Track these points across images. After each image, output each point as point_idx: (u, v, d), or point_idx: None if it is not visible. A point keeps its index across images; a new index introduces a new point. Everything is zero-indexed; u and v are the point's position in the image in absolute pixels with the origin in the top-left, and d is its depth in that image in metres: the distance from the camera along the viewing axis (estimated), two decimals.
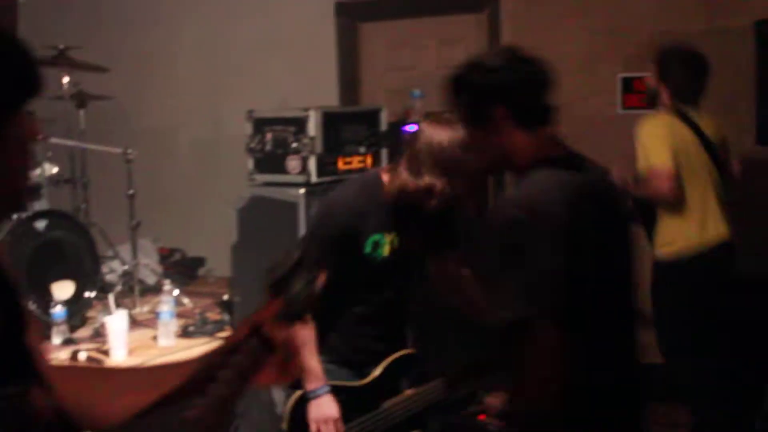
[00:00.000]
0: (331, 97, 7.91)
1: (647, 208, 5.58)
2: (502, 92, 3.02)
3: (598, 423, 3.11)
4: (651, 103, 5.74)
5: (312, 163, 5.40)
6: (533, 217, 2.78)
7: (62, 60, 6.63)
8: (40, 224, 5.75)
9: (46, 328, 5.47)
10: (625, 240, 3.21)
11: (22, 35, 6.02)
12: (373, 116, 5.94)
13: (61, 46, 6.65)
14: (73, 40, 6.90)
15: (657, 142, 5.40)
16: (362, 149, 5.77)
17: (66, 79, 6.70)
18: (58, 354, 5.31)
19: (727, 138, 5.70)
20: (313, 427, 3.98)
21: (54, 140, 6.41)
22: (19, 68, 1.91)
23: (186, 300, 6.38)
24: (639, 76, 6.75)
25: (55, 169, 6.32)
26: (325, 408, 3.99)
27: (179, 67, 8.57)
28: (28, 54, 1.93)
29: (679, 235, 5.49)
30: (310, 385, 3.97)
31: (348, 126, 5.73)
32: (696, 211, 5.45)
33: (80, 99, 6.75)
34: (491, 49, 7.09)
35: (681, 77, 5.56)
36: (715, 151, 5.55)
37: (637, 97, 6.92)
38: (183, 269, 7.50)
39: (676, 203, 5.43)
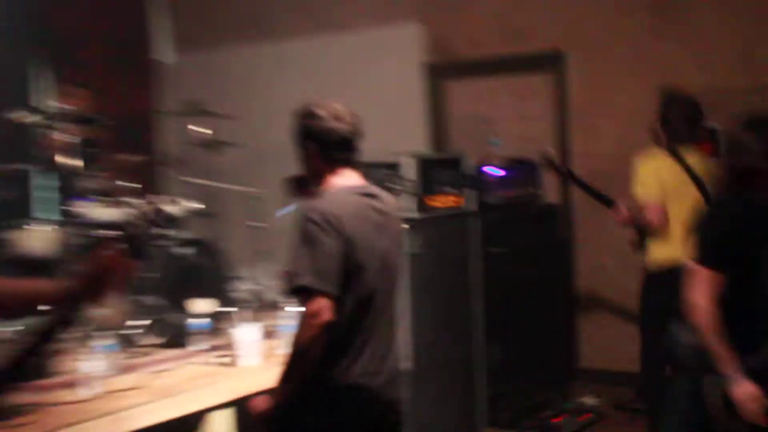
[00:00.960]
0: (420, 142, 8.10)
1: (642, 230, 5.94)
2: (314, 135, 3.52)
3: None
4: (656, 141, 5.94)
5: (410, 202, 5.67)
6: (321, 219, 3.23)
7: (200, 113, 6.87)
8: (184, 250, 6.11)
9: (186, 338, 5.79)
10: (389, 242, 3.51)
11: (168, 92, 6.76)
12: (456, 162, 6.14)
13: (199, 103, 6.87)
14: (209, 97, 7.21)
15: (647, 175, 5.73)
16: (450, 188, 5.98)
17: (202, 129, 6.85)
18: (196, 358, 5.48)
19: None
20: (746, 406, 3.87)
21: (192, 180, 6.81)
22: None
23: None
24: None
25: (194, 204, 6.55)
26: (749, 387, 3.86)
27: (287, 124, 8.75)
28: None
29: (662, 253, 5.77)
30: (727, 369, 3.89)
31: (438, 170, 5.95)
32: (677, 236, 5.61)
33: (215, 144, 6.94)
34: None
35: (677, 121, 5.81)
36: (701, 185, 5.74)
37: None
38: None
39: (662, 231, 5.75)
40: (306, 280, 3.18)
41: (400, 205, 5.53)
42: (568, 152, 7.60)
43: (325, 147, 3.51)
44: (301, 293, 3.24)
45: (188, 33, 9.84)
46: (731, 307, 4.00)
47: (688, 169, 5.76)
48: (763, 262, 4.00)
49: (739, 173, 4.11)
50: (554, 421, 6.42)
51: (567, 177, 6.44)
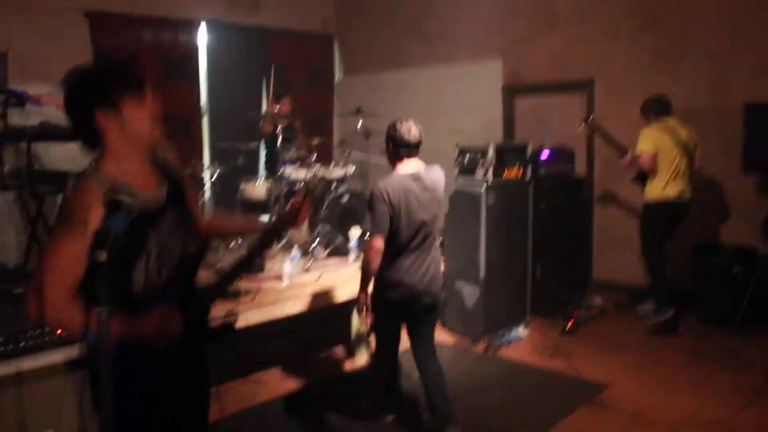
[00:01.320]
0: (498, 135, 8.06)
1: (642, 175, 5.94)
2: (391, 138, 3.80)
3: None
4: (645, 117, 6.02)
5: (490, 172, 5.57)
6: (378, 193, 3.62)
7: (359, 114, 6.94)
8: (344, 198, 6.19)
9: (346, 252, 5.86)
10: (427, 205, 3.73)
11: (338, 104, 6.72)
12: (523, 147, 5.95)
13: (359, 106, 6.98)
14: (365, 103, 7.22)
15: (645, 139, 5.81)
16: (517, 165, 5.84)
17: (360, 123, 6.93)
18: (352, 268, 5.53)
19: (697, 141, 5.85)
20: None
21: (354, 154, 6.89)
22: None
23: None
24: None
25: (353, 168, 6.66)
26: None
27: (420, 118, 8.78)
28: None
29: (653, 191, 5.81)
30: None
31: (509, 153, 5.86)
32: (663, 180, 5.73)
33: (366, 133, 6.98)
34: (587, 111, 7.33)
35: (654, 105, 5.93)
36: (684, 145, 5.75)
37: None
38: None
39: (652, 174, 5.77)
40: (369, 227, 3.69)
41: (483, 175, 5.58)
42: (593, 143, 7.40)
43: (396, 146, 3.78)
44: (367, 234, 3.74)
45: (353, 62, 9.88)
46: None
47: (675, 134, 5.78)
48: None
49: None
50: (574, 312, 6.30)
51: (601, 130, 6.30)
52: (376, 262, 3.67)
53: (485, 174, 5.60)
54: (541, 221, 6.19)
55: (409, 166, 3.81)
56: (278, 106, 7.00)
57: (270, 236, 2.63)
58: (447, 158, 7.09)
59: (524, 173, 5.94)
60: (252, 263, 2.56)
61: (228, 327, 2.35)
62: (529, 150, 5.99)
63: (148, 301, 2.06)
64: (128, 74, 2.10)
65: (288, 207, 2.59)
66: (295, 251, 5.58)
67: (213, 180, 6.59)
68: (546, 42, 7.67)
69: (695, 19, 6.58)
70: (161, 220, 2.14)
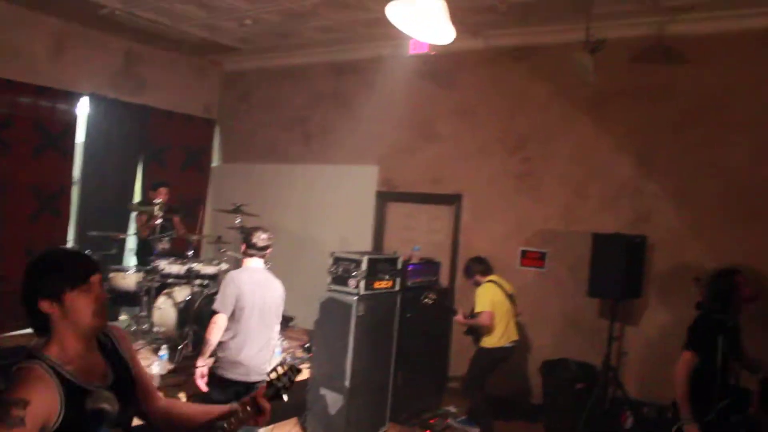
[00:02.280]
0: (369, 237, 8.33)
1: (472, 329, 6.34)
2: (246, 239, 4.76)
3: None
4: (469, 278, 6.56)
5: (362, 284, 5.77)
6: (230, 279, 4.72)
7: (236, 210, 6.93)
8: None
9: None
10: (268, 293, 4.81)
11: (213, 191, 6.77)
12: (394, 259, 6.21)
13: (237, 204, 6.96)
14: (242, 194, 7.36)
15: (482, 297, 6.22)
16: (387, 276, 6.08)
17: (238, 220, 6.90)
18: None
19: (514, 290, 6.39)
20: None
21: (228, 252, 6.89)
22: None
23: (285, 342, 6.60)
24: (531, 249, 7.25)
25: (226, 266, 6.61)
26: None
27: (294, 218, 8.84)
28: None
29: (491, 341, 6.19)
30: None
31: (380, 264, 6.04)
32: (500, 330, 6.15)
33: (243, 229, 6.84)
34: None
35: (479, 265, 6.44)
36: (510, 296, 6.28)
37: (528, 260, 7.25)
38: (282, 322, 7.68)
39: (491, 328, 6.13)
40: (216, 306, 4.59)
41: (356, 285, 5.80)
42: (457, 255, 7.83)
43: (248, 247, 4.75)
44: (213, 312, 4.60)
45: (233, 150, 9.98)
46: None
47: (504, 290, 6.24)
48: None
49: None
50: (430, 421, 6.55)
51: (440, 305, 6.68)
52: (217, 336, 4.51)
53: (357, 284, 5.81)
54: (405, 330, 6.44)
55: (255, 263, 4.78)
56: (155, 196, 6.98)
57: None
58: (317, 257, 7.33)
59: (393, 284, 6.21)
60: None
61: None
62: (400, 262, 6.30)
63: None
64: (73, 268, 2.19)
65: (250, 405, 2.35)
66: (163, 350, 5.56)
67: None
68: (422, 154, 8.11)
69: (555, 149, 7.23)
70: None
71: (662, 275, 6.62)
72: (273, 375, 2.33)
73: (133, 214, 7.60)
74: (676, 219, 6.57)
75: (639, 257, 6.47)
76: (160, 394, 2.55)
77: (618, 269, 6.26)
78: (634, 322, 6.75)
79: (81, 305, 2.17)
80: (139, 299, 6.14)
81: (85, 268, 2.21)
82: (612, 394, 6.60)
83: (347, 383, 5.72)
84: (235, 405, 2.32)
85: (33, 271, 2.18)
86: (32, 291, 2.15)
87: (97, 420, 1.81)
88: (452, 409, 6.97)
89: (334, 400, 5.79)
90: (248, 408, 2.30)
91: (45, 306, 2.15)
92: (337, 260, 5.99)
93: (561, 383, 6.53)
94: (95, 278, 2.22)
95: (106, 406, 1.83)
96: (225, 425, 2.27)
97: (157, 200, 6.84)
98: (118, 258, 7.42)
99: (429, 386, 7.08)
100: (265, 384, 2.33)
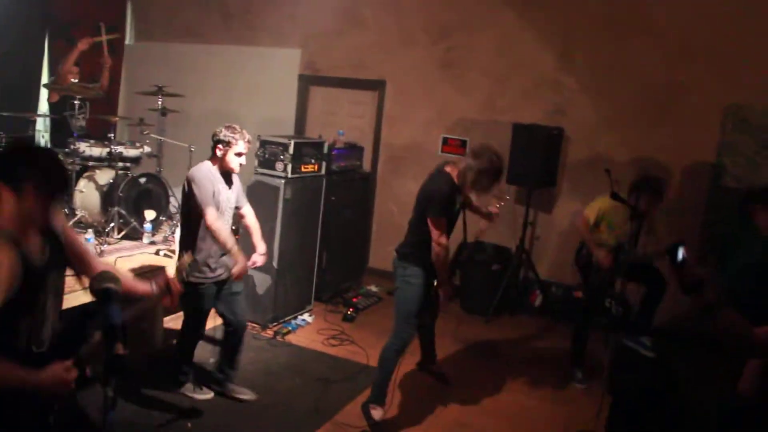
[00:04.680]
0: (290, 129, 8.21)
1: None
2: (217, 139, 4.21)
3: None
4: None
5: (289, 167, 5.83)
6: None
7: (158, 91, 6.62)
8: (141, 179, 6.03)
9: (139, 235, 5.82)
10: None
11: (128, 74, 6.52)
12: (319, 144, 6.27)
13: (159, 85, 6.62)
14: (160, 77, 6.93)
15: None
16: (313, 160, 6.14)
17: (159, 102, 6.62)
18: (146, 250, 5.63)
19: None
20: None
21: (151, 134, 6.61)
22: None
23: None
24: (452, 137, 7.37)
25: (148, 149, 6.43)
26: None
27: (216, 100, 8.58)
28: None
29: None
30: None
31: (307, 148, 6.07)
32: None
33: (164, 112, 6.73)
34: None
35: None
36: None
37: (449, 147, 7.34)
38: None
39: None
40: (204, 202, 4.10)
41: (283, 168, 5.82)
42: (379, 141, 7.91)
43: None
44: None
45: (147, 29, 9.46)
46: None
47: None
48: None
49: None
50: (353, 299, 6.80)
51: None
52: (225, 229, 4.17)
53: (285, 168, 5.85)
54: (329, 213, 6.56)
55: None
56: (67, 75, 6.63)
57: (141, 310, 2.64)
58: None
59: (319, 168, 6.27)
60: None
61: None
62: (326, 146, 6.34)
63: (36, 355, 2.12)
64: (41, 169, 2.20)
65: (161, 284, 2.64)
66: (89, 234, 5.48)
67: None
68: (346, 39, 7.98)
69: (479, 41, 7.27)
70: (46, 279, 2.23)
71: (575, 166, 6.94)
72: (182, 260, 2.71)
73: (44, 94, 7.19)
74: (591, 113, 6.82)
75: (555, 148, 6.76)
76: (100, 261, 2.63)
77: (535, 159, 6.53)
78: (547, 210, 7.12)
79: (34, 204, 2.20)
80: None
81: (55, 179, 2.26)
82: (524, 275, 7.04)
83: (275, 264, 5.84)
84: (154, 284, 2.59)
85: (4, 155, 2.27)
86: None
87: (105, 299, 1.85)
88: (374, 288, 7.24)
89: (261, 281, 5.92)
90: (163, 287, 2.59)
91: (3, 190, 2.17)
92: (264, 144, 5.97)
93: (477, 264, 6.86)
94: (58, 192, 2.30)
95: (111, 285, 1.88)
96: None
97: (73, 81, 6.50)
98: (31, 140, 7.08)
99: (351, 268, 7.31)
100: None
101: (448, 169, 4.34)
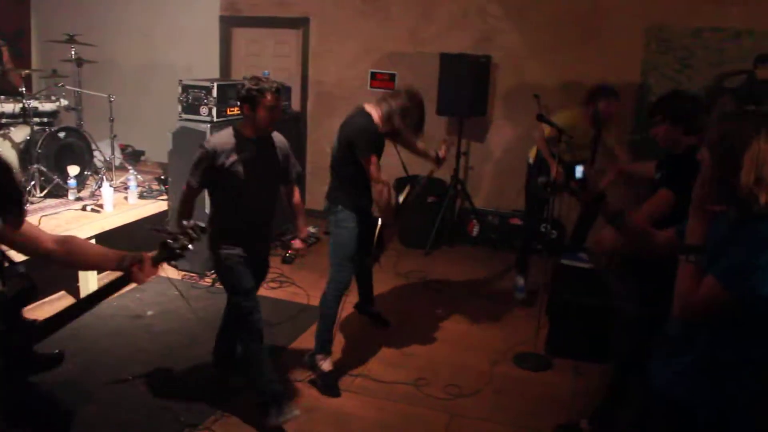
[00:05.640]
0: (214, 71, 7.98)
1: None
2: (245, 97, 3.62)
3: None
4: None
5: (214, 110, 5.69)
6: None
7: (69, 40, 6.32)
8: (61, 134, 5.82)
9: (64, 192, 5.66)
10: None
11: (36, 23, 6.24)
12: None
13: (70, 33, 6.33)
14: (73, 25, 6.69)
15: None
16: (239, 103, 6.10)
17: (72, 51, 6.33)
18: (72, 206, 5.50)
19: None
20: None
21: (67, 87, 6.35)
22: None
23: (140, 176, 6.34)
24: (380, 71, 7.27)
25: (65, 102, 6.24)
26: None
27: (134, 47, 8.27)
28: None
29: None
30: None
31: (231, 91, 5.84)
32: None
33: (79, 62, 6.38)
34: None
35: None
36: None
37: (378, 82, 7.22)
38: (133, 156, 7.41)
39: None
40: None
41: (207, 113, 5.66)
42: (307, 79, 7.76)
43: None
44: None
45: None
46: None
47: None
48: None
49: None
50: (292, 242, 6.71)
51: None
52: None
53: (209, 112, 5.68)
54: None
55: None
56: None
57: (113, 289, 2.42)
58: (163, 88, 6.99)
59: (242, 112, 6.08)
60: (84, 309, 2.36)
61: (54, 360, 2.34)
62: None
63: None
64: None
65: (134, 258, 2.42)
66: None
67: None
68: None
69: None
70: None
71: (505, 93, 6.94)
72: (170, 240, 2.37)
73: None
74: (517, 40, 6.80)
75: (484, 76, 6.73)
76: (46, 235, 2.48)
77: (465, 88, 6.50)
78: (479, 139, 7.13)
79: None
80: None
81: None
82: (460, 206, 7.09)
83: (207, 211, 5.70)
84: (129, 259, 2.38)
85: None
86: None
87: None
88: (312, 229, 7.16)
89: None
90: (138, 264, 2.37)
91: None
92: (186, 88, 5.79)
93: (414, 198, 6.84)
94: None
95: None
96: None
97: None
98: None
99: (287, 210, 7.19)
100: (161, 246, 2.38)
101: (368, 108, 4.15)
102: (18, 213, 2.17)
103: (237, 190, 3.65)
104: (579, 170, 2.41)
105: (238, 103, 3.66)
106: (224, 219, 3.75)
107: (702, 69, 6.22)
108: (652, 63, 6.36)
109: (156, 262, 2.39)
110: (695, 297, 1.92)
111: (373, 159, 4.07)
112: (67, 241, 2.45)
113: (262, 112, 3.58)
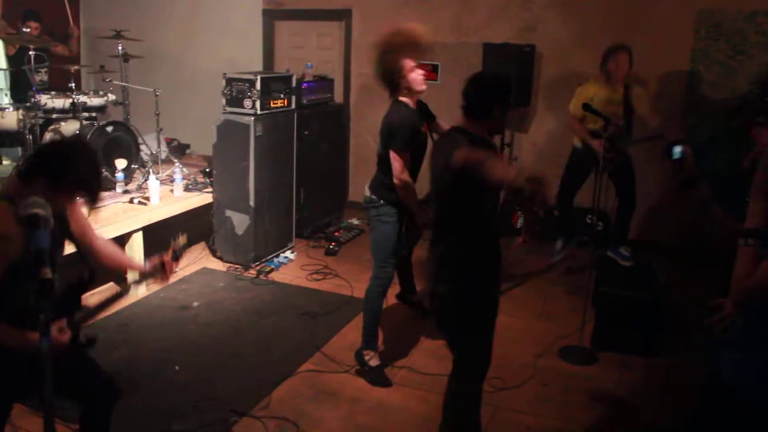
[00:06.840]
0: (258, 65, 7.98)
1: None
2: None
3: None
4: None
5: (257, 103, 5.69)
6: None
7: (117, 36, 6.49)
8: (109, 128, 5.88)
9: (112, 185, 5.75)
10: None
11: (85, 21, 6.28)
12: (287, 78, 6.10)
13: (117, 28, 6.52)
14: (120, 22, 6.84)
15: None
16: (282, 95, 5.99)
17: (119, 47, 6.48)
18: (120, 199, 5.60)
19: None
20: None
21: (114, 82, 6.49)
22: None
23: (185, 169, 6.44)
24: (423, 62, 7.32)
25: (113, 97, 6.31)
26: None
27: (179, 42, 8.36)
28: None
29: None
30: None
31: (274, 83, 5.91)
32: None
33: (126, 58, 6.55)
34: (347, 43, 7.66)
35: None
36: None
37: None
38: (179, 149, 7.51)
39: None
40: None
41: (251, 105, 5.68)
42: (349, 71, 7.75)
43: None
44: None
45: None
46: None
47: None
48: None
49: None
50: (335, 234, 6.77)
51: None
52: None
53: (253, 105, 5.70)
54: (303, 148, 6.45)
55: None
56: (26, 30, 6.37)
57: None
58: (207, 82, 7.03)
59: (289, 102, 6.12)
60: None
61: (92, 341, 2.48)
62: (294, 80, 6.18)
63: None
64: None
65: (157, 261, 2.74)
66: None
67: None
68: None
69: None
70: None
71: (549, 83, 6.82)
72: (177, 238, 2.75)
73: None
74: (562, 29, 6.68)
75: (528, 66, 6.60)
76: (96, 233, 2.79)
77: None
78: (524, 129, 7.02)
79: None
80: (22, 139, 5.69)
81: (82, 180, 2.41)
82: (504, 197, 6.98)
83: (251, 203, 5.76)
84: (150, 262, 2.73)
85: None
86: None
87: (32, 225, 1.78)
88: (355, 221, 7.19)
89: (240, 221, 5.85)
90: (157, 266, 2.72)
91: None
92: (230, 81, 5.81)
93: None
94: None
95: (38, 211, 1.81)
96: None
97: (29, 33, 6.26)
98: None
99: (331, 202, 7.24)
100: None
101: (402, 98, 4.04)
102: (95, 197, 2.42)
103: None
104: (677, 150, 2.31)
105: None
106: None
107: (756, 55, 6.02)
108: (702, 50, 6.18)
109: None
110: (752, 280, 1.88)
111: (402, 154, 3.93)
112: (107, 243, 2.84)
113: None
